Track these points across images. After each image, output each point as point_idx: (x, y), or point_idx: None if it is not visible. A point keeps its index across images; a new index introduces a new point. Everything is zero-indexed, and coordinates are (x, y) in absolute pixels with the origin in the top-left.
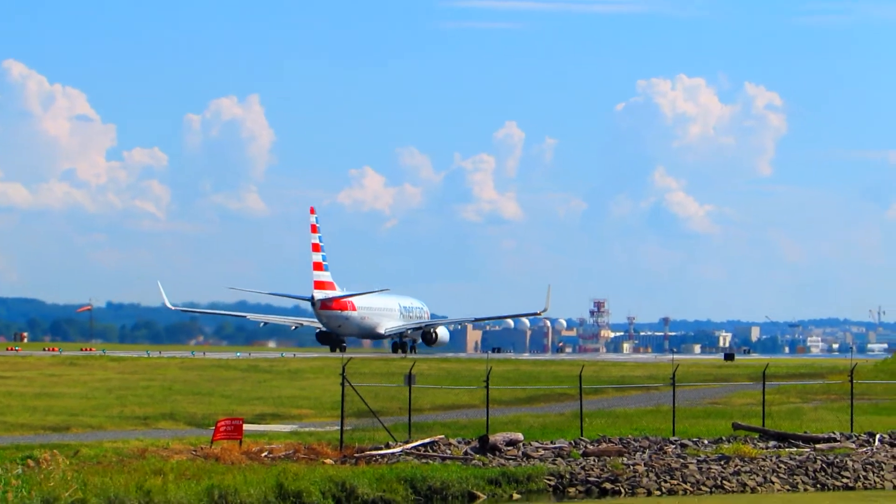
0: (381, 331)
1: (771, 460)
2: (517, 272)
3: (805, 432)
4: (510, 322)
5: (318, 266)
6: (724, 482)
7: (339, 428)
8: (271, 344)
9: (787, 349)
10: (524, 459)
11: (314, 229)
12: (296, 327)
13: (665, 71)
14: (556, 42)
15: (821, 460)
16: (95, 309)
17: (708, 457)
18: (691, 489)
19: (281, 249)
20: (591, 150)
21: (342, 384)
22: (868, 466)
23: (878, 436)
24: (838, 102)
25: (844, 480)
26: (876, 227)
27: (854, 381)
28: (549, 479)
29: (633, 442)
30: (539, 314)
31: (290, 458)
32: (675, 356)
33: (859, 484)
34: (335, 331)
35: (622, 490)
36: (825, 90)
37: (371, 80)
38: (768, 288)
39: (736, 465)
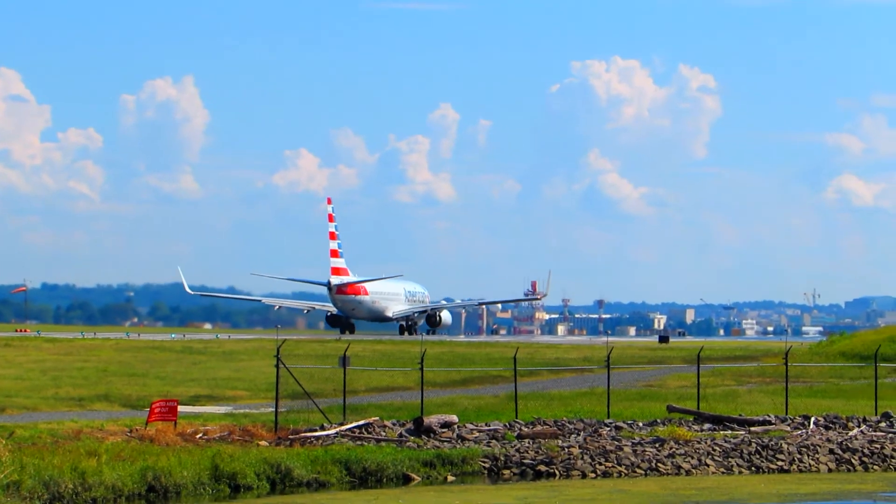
0: (390, 314)
1: (706, 443)
2: (451, 254)
3: (740, 415)
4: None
5: (334, 253)
6: (658, 465)
7: (273, 410)
8: (206, 325)
9: (721, 332)
10: (459, 441)
11: (331, 218)
12: (308, 311)
13: (599, 52)
14: (490, 23)
15: (755, 443)
16: (30, 290)
17: (643, 439)
18: (626, 471)
19: (215, 230)
20: (526, 131)
21: (277, 366)
22: (803, 449)
23: (812, 418)
24: (773, 85)
25: (779, 463)
26: (811, 211)
27: (789, 364)
28: (484, 462)
29: (567, 424)
30: (539, 298)
31: (224, 440)
32: (610, 338)
33: (794, 467)
34: (349, 314)
35: (557, 472)
36: (760, 72)
37: (306, 61)
38: (703, 270)
39: (671, 448)
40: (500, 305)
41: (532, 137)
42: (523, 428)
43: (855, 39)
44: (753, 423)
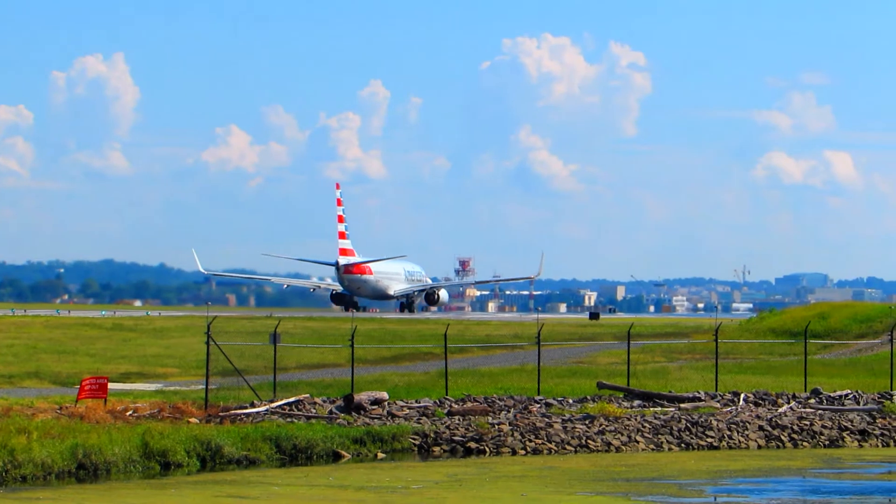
0: (391, 293)
1: (635, 420)
2: (381, 231)
3: (670, 391)
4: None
5: (342, 235)
6: (588, 441)
7: (204, 387)
8: (137, 303)
9: (652, 308)
10: (389, 419)
11: (339, 203)
12: (314, 289)
13: (530, 30)
14: (421, 0)
15: (685, 420)
16: None
17: (573, 416)
18: (556, 448)
19: (145, 207)
20: (457, 109)
21: (207, 343)
22: (732, 426)
23: (742, 395)
24: (703, 63)
25: (709, 440)
26: (741, 187)
27: (719, 341)
28: (414, 439)
29: (497, 401)
30: (533, 278)
31: (154, 418)
32: (541, 315)
33: (723, 443)
34: (354, 292)
35: (487, 449)
36: (690, 50)
37: (237, 38)
38: (634, 247)
39: (601, 425)
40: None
41: (462, 115)
42: (454, 405)
43: (784, 17)
44: (683, 400)
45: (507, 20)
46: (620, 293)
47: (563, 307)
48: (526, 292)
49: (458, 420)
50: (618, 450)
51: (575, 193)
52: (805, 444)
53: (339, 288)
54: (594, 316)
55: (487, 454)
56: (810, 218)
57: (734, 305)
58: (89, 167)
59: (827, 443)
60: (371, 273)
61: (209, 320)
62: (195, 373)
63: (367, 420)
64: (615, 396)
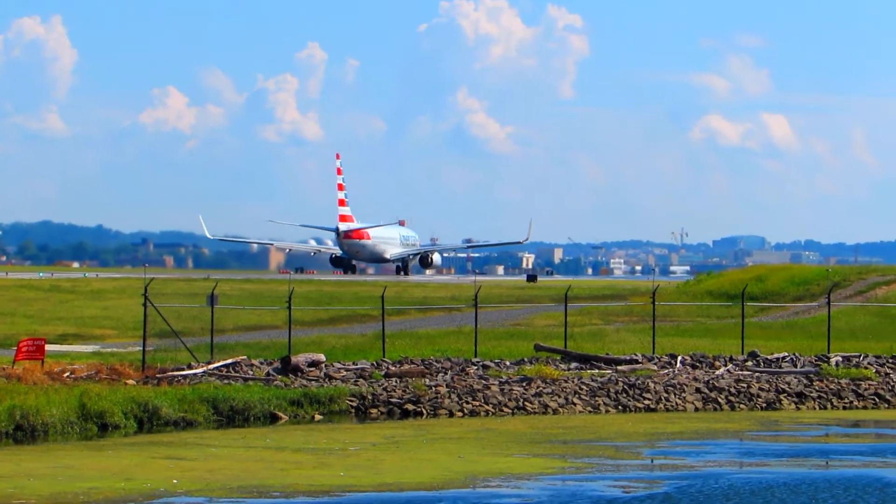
0: (388, 256)
1: (573, 382)
2: (318, 193)
3: (607, 354)
4: (313, 242)
5: (342, 202)
6: (525, 403)
7: (141, 349)
8: (74, 264)
9: (590, 271)
10: (326, 380)
11: (339, 171)
12: (315, 253)
13: None
14: None
15: (622, 382)
16: None
17: (510, 378)
18: (493, 410)
19: (82, 169)
20: (394, 71)
21: (144, 304)
22: (669, 388)
23: (679, 357)
24: (640, 25)
25: (646, 402)
26: (678, 150)
27: (656, 303)
28: (352, 401)
29: (435, 363)
30: (522, 242)
31: (92, 379)
32: (478, 277)
33: (661, 405)
34: (353, 256)
35: (424, 411)
36: (626, 13)
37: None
38: (571, 209)
39: (538, 387)
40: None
41: (400, 77)
42: (391, 367)
43: None
44: (620, 363)
45: None
46: (558, 255)
47: (500, 269)
48: (463, 255)
49: (396, 382)
50: (555, 412)
51: (512, 156)
52: (742, 406)
53: (338, 252)
54: (532, 278)
55: (425, 416)
56: (747, 181)
57: (672, 268)
58: (27, 129)
59: (764, 405)
60: (369, 238)
61: (146, 282)
62: (133, 334)
63: (304, 382)
64: (552, 359)
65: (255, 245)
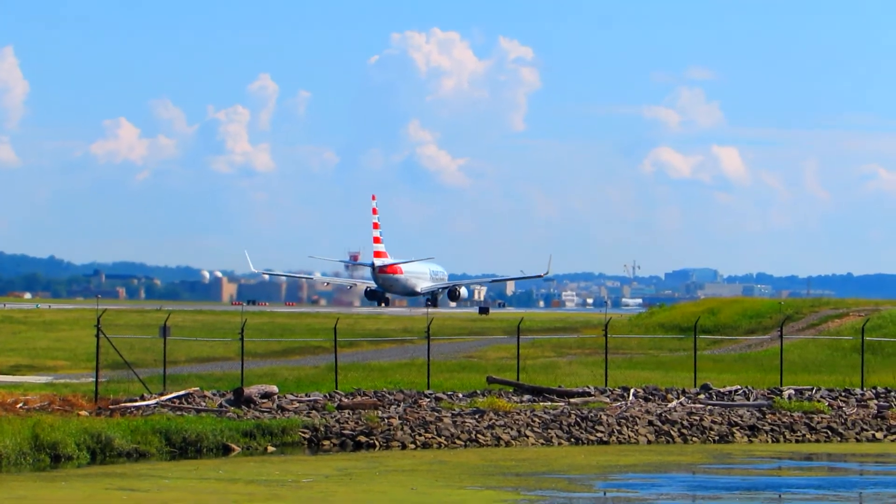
0: (419, 290)
1: (525, 414)
2: (269, 225)
3: (559, 386)
4: (265, 275)
5: (377, 240)
6: (478, 436)
7: (94, 380)
8: (27, 295)
9: (542, 303)
10: (279, 412)
11: (374, 212)
12: (351, 287)
13: (419, 24)
14: None
15: (575, 414)
16: None
17: (462, 410)
18: (446, 442)
19: (33, 200)
20: (345, 103)
21: (97, 336)
22: (622, 421)
23: (632, 390)
24: (591, 58)
25: (599, 434)
26: (630, 183)
27: (608, 336)
28: (304, 432)
29: (388, 395)
30: (542, 276)
31: (45, 410)
32: (430, 309)
33: (613, 438)
34: (388, 290)
35: (377, 443)
36: (578, 45)
37: (125, 31)
38: (523, 242)
39: (490, 419)
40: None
41: (351, 109)
42: (343, 399)
43: (670, 14)
44: (573, 395)
45: (396, 14)
46: (510, 288)
47: (452, 302)
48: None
49: (348, 414)
50: (507, 444)
51: (463, 188)
52: (695, 439)
53: (373, 285)
54: (484, 310)
55: (377, 448)
56: (699, 214)
57: (624, 300)
58: None
59: (717, 438)
60: (402, 273)
61: (99, 313)
62: (85, 366)
63: (256, 413)
64: (505, 391)
65: (207, 276)
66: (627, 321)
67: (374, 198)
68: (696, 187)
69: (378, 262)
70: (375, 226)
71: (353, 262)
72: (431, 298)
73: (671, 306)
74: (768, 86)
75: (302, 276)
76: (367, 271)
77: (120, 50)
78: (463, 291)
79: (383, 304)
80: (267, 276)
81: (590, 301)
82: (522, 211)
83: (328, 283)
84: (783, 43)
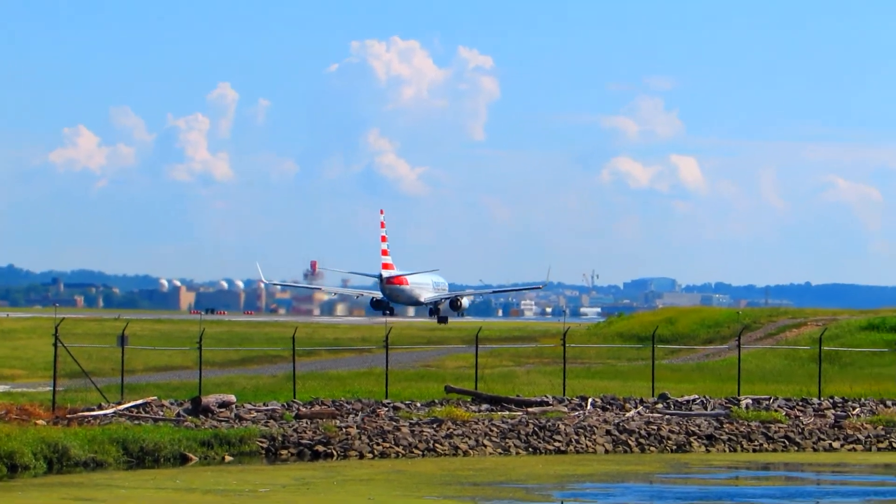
0: (423, 300)
1: (483, 424)
2: (228, 234)
3: (518, 395)
4: (224, 283)
5: (384, 252)
6: (436, 445)
7: (51, 389)
8: None
9: (500, 312)
10: (237, 421)
11: (382, 225)
12: (358, 297)
13: (379, 33)
14: (269, 2)
15: (533, 424)
16: None
17: (420, 420)
18: (404, 452)
19: None
20: (305, 111)
21: (55, 344)
22: (580, 430)
23: (590, 399)
24: (551, 67)
25: (556, 444)
26: (589, 192)
27: (566, 345)
28: (262, 442)
29: (346, 404)
30: (541, 287)
31: (1, 419)
32: (389, 318)
33: (571, 448)
34: (394, 300)
35: (334, 452)
36: (538, 55)
37: (86, 37)
38: (482, 251)
39: (448, 429)
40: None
41: (311, 117)
42: (301, 408)
43: (630, 22)
44: (531, 404)
45: (356, 23)
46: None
47: (411, 310)
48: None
49: (306, 423)
50: (465, 454)
51: (422, 197)
52: (652, 448)
53: (378, 296)
54: (442, 320)
55: (335, 457)
56: (658, 223)
57: (582, 310)
58: None
59: (674, 448)
60: (407, 283)
61: (57, 322)
62: (43, 374)
63: (214, 423)
64: (463, 400)
65: (166, 285)
66: (586, 330)
67: (381, 212)
68: (655, 196)
69: (386, 273)
70: (383, 238)
71: (311, 270)
72: (435, 308)
73: (629, 315)
74: (727, 95)
75: (312, 287)
76: (334, 281)
77: (80, 57)
78: (465, 301)
79: (389, 314)
80: (279, 287)
81: (548, 310)
82: (481, 220)
83: (335, 294)
84: (742, 52)
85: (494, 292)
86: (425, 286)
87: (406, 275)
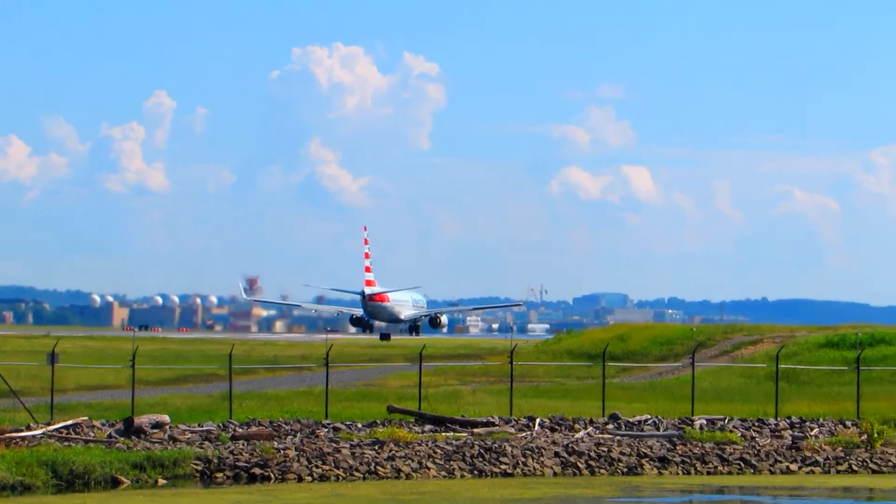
0: (402, 317)
1: (427, 445)
2: (164, 246)
3: (462, 416)
4: (158, 299)
5: (367, 269)
6: (377, 468)
7: None
8: None
9: (445, 329)
10: (170, 443)
11: (366, 242)
12: (338, 314)
13: (321, 38)
14: (207, 7)
15: (479, 445)
16: None
17: (362, 441)
18: (344, 475)
19: None
20: (244, 120)
21: None
22: (527, 452)
23: (538, 420)
24: (499, 75)
25: (503, 466)
26: (538, 203)
27: (514, 363)
28: (197, 464)
29: (284, 425)
30: (520, 305)
31: None
32: (330, 335)
33: (518, 470)
34: (375, 317)
35: (272, 475)
36: (485, 61)
37: (17, 45)
38: (426, 264)
39: (391, 450)
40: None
41: (250, 126)
42: (238, 429)
43: (581, 29)
44: (476, 425)
45: (298, 28)
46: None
47: (352, 327)
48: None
49: (243, 445)
50: (408, 476)
51: (365, 208)
52: (603, 471)
53: (357, 313)
54: (385, 336)
55: (273, 481)
56: (609, 236)
57: (530, 326)
58: None
59: (625, 470)
60: (388, 300)
61: None
62: None
63: (147, 444)
64: (406, 421)
65: (98, 300)
66: (534, 348)
67: (365, 229)
68: (606, 208)
69: (368, 290)
70: (366, 255)
71: (249, 286)
72: (414, 325)
73: (579, 332)
74: (680, 104)
75: (290, 304)
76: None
77: (9, 64)
78: (443, 319)
79: (368, 332)
80: (259, 304)
81: (495, 326)
82: (426, 232)
83: (315, 311)
84: (696, 59)
85: (475, 309)
86: (405, 303)
87: (388, 292)
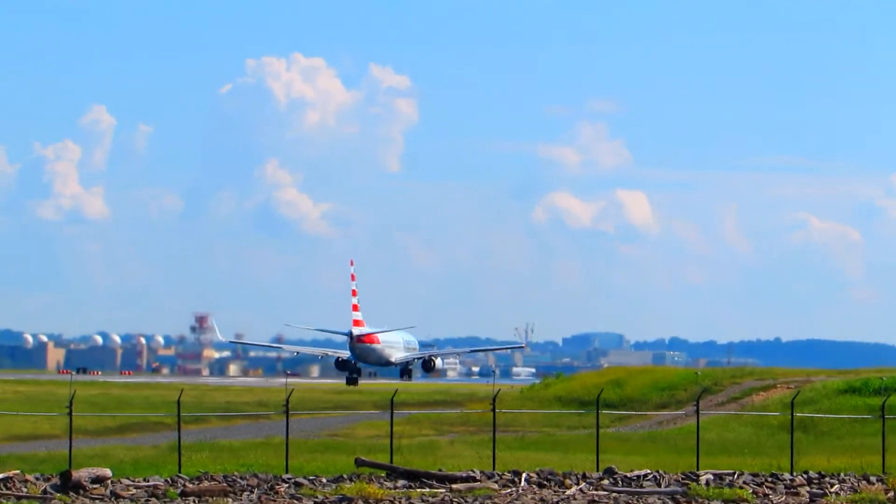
0: (393, 360)
1: (400, 502)
2: (104, 280)
3: (440, 470)
4: (98, 338)
5: (355, 307)
6: None
7: None
8: None
9: (419, 373)
10: (113, 500)
11: (353, 277)
12: (322, 357)
13: (278, 49)
14: (152, 13)
15: (458, 503)
16: None
17: (327, 498)
18: None
19: None
20: (192, 139)
21: None
22: None
23: (523, 475)
24: (477, 88)
25: None
26: (522, 232)
27: (496, 411)
28: None
29: (239, 480)
30: (523, 346)
31: None
32: (290, 379)
33: None
34: (363, 360)
35: None
36: (461, 73)
37: None
38: (397, 300)
39: None
40: (161, 340)
41: (199, 146)
42: (188, 484)
43: (569, 40)
44: (456, 480)
45: (252, 37)
46: None
47: (315, 370)
48: (274, 354)
49: (193, 502)
50: None
51: (328, 237)
52: None
53: (344, 355)
54: (352, 381)
55: None
56: (602, 268)
57: (515, 369)
58: None
59: None
60: (378, 342)
61: None
62: None
63: (86, 501)
64: (376, 476)
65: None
66: (519, 394)
67: (352, 263)
68: (599, 238)
69: (356, 331)
70: (353, 293)
71: (199, 325)
72: (405, 369)
73: (570, 376)
74: (680, 120)
75: (276, 345)
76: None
77: None
78: (438, 362)
79: (355, 376)
80: (239, 345)
81: (475, 370)
82: (397, 264)
83: (297, 353)
84: (697, 70)
85: (472, 351)
86: (396, 345)
87: (377, 332)
